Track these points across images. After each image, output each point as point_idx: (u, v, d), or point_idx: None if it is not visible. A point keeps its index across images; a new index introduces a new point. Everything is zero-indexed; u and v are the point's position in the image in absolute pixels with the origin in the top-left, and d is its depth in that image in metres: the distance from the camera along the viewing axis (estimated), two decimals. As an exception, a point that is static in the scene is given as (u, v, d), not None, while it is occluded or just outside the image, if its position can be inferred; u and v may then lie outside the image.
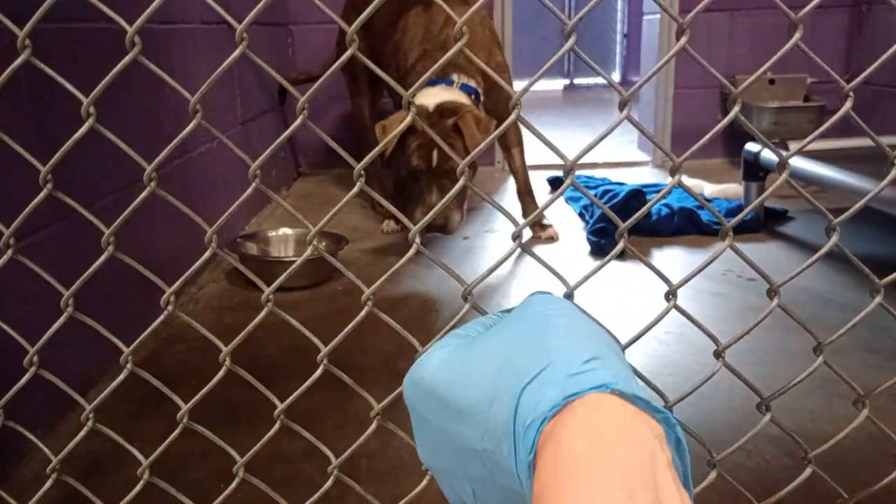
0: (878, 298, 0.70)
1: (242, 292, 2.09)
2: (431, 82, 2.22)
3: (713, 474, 0.75)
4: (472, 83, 2.32)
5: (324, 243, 2.30)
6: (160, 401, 0.70)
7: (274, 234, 2.41)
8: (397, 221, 2.55)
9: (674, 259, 2.32)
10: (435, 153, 2.14)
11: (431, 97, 2.22)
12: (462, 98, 2.24)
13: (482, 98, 2.36)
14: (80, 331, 0.71)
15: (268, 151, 0.58)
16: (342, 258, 2.28)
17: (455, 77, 2.29)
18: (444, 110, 2.18)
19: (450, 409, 0.47)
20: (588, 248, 2.42)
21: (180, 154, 2.03)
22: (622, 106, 0.61)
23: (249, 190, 0.59)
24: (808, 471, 0.76)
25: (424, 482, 0.73)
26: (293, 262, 2.11)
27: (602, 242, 2.38)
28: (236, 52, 0.52)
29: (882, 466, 0.81)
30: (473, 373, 0.47)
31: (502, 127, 0.61)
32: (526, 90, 0.61)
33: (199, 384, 0.72)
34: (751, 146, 2.59)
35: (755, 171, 2.57)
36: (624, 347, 0.71)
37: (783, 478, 1.15)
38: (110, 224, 0.63)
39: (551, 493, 0.35)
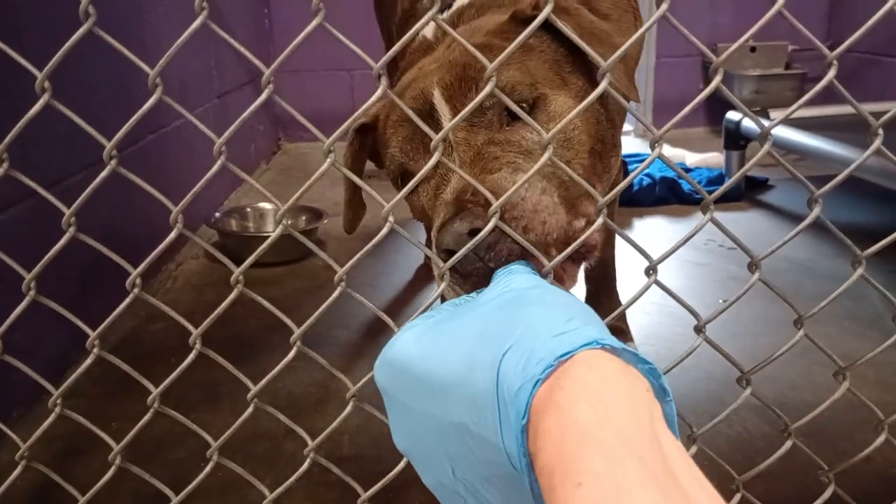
0: (860, 270, 0.69)
1: (222, 268, 2.06)
2: None
3: (693, 449, 0.74)
4: None
5: (304, 217, 2.28)
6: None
7: (253, 208, 2.38)
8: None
9: (655, 229, 2.32)
10: (445, 108, 0.79)
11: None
12: None
13: None
14: (57, 312, 0.69)
15: (233, 126, 0.55)
16: (323, 232, 2.26)
17: None
18: (462, 11, 0.99)
19: (425, 386, 0.46)
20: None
21: (155, 129, 1.98)
22: (602, 76, 0.59)
23: (215, 167, 0.56)
24: (788, 443, 0.76)
25: (403, 463, 0.72)
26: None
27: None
28: (196, 23, 0.50)
29: (861, 434, 0.81)
30: (448, 346, 0.46)
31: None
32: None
33: (178, 362, 0.70)
34: (732, 115, 2.58)
35: (736, 140, 2.57)
36: (605, 321, 0.70)
37: (763, 447, 1.15)
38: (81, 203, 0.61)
39: (564, 465, 0.35)
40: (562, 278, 0.68)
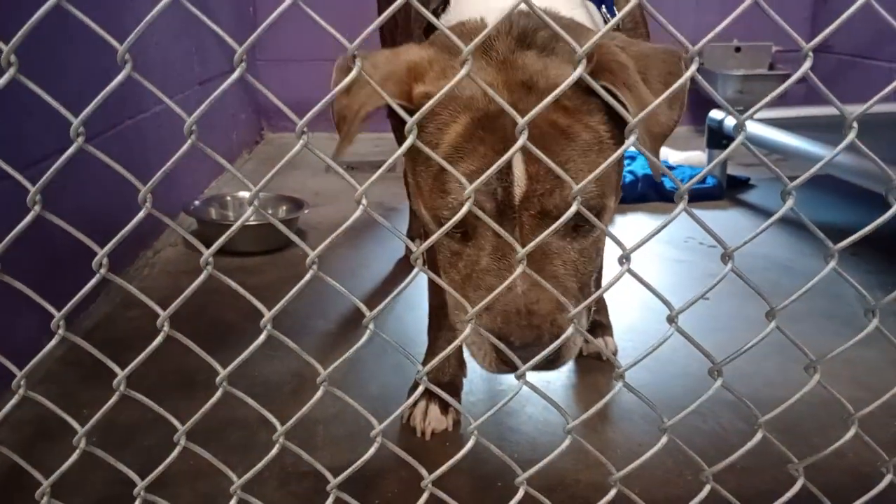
0: (833, 263, 0.70)
1: (200, 257, 2.05)
2: None
3: (664, 439, 0.74)
4: None
5: (284, 207, 2.26)
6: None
7: (233, 197, 2.36)
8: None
9: (636, 225, 2.33)
10: (521, 171, 0.81)
11: (491, 5, 0.89)
12: (576, 12, 0.98)
13: (616, 14, 1.06)
14: (26, 304, 0.68)
15: (205, 104, 0.55)
16: (304, 223, 2.25)
17: None
18: (527, 35, 0.87)
19: None
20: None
21: (133, 113, 1.96)
22: (579, 61, 0.58)
23: (185, 146, 0.56)
24: (758, 435, 0.77)
25: (373, 449, 0.72)
26: (253, 226, 2.07)
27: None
28: (165, -3, 0.49)
29: (834, 431, 0.82)
30: None
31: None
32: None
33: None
34: (715, 114, 2.59)
35: (719, 139, 2.58)
36: (581, 311, 0.70)
37: (737, 442, 1.15)
38: (62, 183, 0.60)
39: None
40: None
